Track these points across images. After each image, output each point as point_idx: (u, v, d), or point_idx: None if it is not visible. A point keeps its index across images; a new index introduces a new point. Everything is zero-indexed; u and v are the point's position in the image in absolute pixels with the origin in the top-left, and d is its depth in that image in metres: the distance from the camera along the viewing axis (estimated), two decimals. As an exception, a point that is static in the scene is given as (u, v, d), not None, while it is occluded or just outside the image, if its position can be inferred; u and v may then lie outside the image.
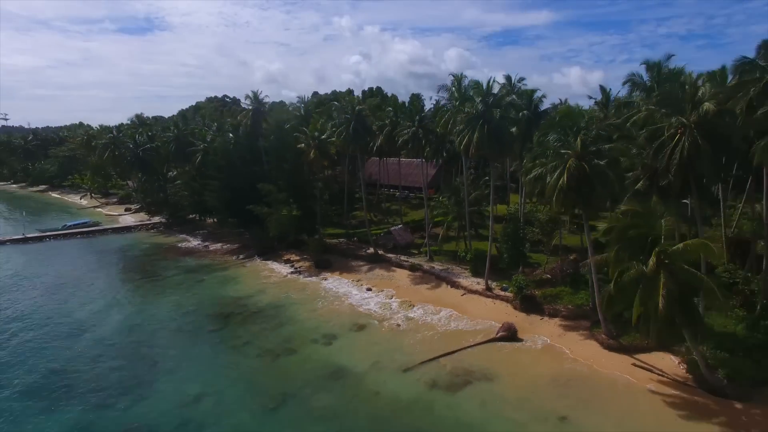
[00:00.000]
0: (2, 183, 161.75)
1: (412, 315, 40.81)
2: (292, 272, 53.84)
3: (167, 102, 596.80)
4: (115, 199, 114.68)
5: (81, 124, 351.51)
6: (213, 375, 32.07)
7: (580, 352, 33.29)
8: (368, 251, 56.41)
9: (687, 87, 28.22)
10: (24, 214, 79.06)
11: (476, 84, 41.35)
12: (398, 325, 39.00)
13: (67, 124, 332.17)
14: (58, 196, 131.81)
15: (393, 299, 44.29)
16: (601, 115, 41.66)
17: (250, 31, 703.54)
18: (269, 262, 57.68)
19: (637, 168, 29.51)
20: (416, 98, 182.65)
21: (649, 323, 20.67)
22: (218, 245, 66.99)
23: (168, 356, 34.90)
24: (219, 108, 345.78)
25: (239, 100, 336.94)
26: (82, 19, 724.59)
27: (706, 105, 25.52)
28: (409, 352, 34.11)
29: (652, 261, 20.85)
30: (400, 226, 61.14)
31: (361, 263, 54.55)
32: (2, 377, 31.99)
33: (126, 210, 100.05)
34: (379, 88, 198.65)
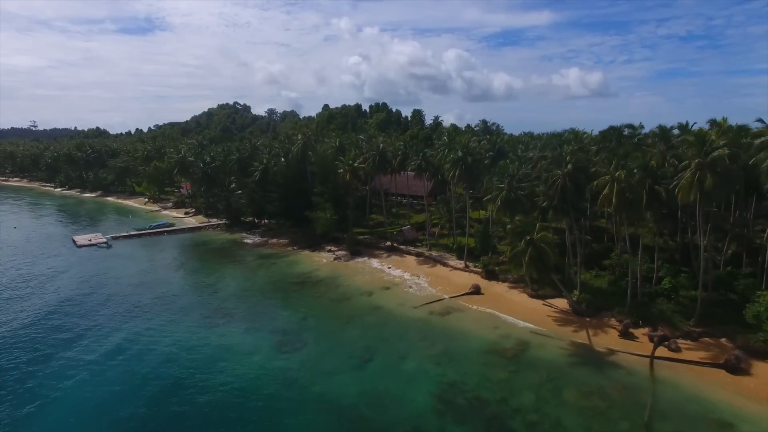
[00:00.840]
0: (60, 189, 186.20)
1: (418, 282, 65.47)
2: (335, 258, 78.48)
3: (167, 102, 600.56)
4: (170, 204, 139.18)
5: (98, 129, 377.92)
6: (308, 309, 56.98)
7: (515, 299, 57.99)
8: (386, 244, 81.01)
9: (563, 154, 53.13)
10: (131, 217, 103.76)
11: (461, 139, 66.21)
12: (410, 287, 63.69)
13: (85, 128, 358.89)
14: (114, 200, 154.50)
15: (405, 273, 68.96)
16: (537, 156, 66.45)
17: (250, 31, 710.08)
18: (317, 252, 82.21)
19: (542, 195, 54.16)
20: (417, 113, 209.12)
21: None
22: (274, 240, 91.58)
23: (277, 303, 59.82)
24: (231, 114, 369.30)
25: (249, 107, 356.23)
26: (83, 19, 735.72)
27: (570, 165, 50.28)
28: (417, 300, 58.79)
29: (523, 242, 45.71)
30: (408, 226, 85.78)
31: (382, 252, 79.22)
32: (192, 312, 56.64)
33: (185, 213, 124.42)
34: (384, 104, 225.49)
